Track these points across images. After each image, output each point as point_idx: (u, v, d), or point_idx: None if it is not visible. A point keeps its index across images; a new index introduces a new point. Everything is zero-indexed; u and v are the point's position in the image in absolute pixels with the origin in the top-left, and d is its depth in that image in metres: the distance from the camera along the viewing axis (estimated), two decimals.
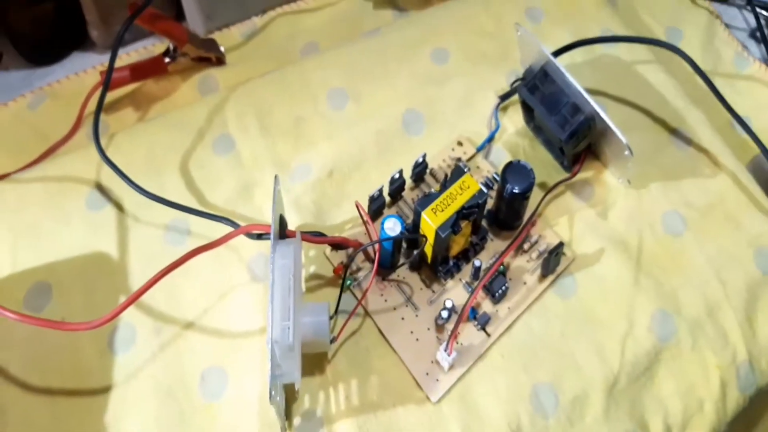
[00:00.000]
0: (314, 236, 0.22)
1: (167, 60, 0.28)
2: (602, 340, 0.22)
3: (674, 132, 0.27)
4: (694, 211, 0.25)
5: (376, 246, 0.22)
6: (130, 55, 0.30)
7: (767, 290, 0.24)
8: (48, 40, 0.30)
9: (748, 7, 0.34)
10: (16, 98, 0.29)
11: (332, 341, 0.21)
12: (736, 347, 0.23)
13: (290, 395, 0.21)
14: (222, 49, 0.30)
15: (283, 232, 0.21)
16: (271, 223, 0.21)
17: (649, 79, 0.28)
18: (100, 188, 0.25)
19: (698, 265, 0.24)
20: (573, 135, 0.23)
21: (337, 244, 0.23)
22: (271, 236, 0.20)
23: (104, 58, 0.30)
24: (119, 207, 0.24)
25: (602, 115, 0.23)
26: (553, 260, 0.23)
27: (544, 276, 0.23)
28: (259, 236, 0.21)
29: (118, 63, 0.29)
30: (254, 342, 0.22)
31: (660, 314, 0.23)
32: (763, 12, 0.34)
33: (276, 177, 0.21)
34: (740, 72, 0.32)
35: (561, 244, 0.23)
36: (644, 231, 0.24)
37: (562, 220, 0.25)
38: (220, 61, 0.30)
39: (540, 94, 0.24)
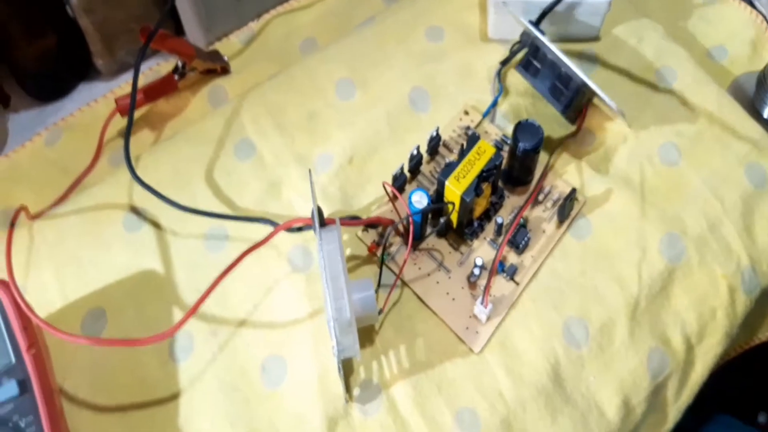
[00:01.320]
0: (351, 220, 0.24)
1: (176, 77, 0.29)
2: (620, 270, 0.25)
3: (659, 70, 0.29)
4: (685, 139, 0.28)
5: (409, 219, 0.23)
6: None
7: (760, 201, 0.27)
8: (54, 75, 0.31)
9: None
10: (32, 137, 0.30)
11: (380, 313, 0.23)
12: (739, 256, 0.26)
13: (347, 369, 0.23)
14: (225, 58, 0.31)
15: (322, 221, 0.23)
16: (308, 215, 0.22)
17: (630, 24, 0.30)
18: (135, 210, 0.26)
19: (696, 187, 0.27)
20: (569, 105, 0.26)
21: (372, 224, 0.25)
22: (316, 226, 0.22)
23: (112, 85, 0.32)
24: (156, 225, 0.26)
25: (590, 84, 0.25)
26: (567, 206, 0.25)
27: (560, 222, 0.26)
28: (299, 229, 0.23)
29: (126, 88, 0.30)
30: (305, 327, 0.24)
31: (668, 238, 0.25)
32: None
33: (309, 171, 0.23)
34: (711, 3, 0.34)
35: (573, 191, 0.25)
36: (644, 165, 0.27)
37: (569, 168, 0.27)
38: (225, 70, 0.31)
39: (534, 68, 0.26)
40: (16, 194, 0.28)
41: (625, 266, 0.25)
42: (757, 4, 0.34)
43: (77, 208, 0.26)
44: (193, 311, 0.21)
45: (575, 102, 0.26)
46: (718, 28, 0.33)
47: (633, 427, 0.24)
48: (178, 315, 0.24)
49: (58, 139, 0.30)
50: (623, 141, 0.28)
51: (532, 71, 0.26)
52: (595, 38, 0.30)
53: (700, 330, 0.25)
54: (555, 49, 0.25)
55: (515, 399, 0.23)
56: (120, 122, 0.29)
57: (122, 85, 0.31)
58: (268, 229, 0.24)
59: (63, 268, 0.25)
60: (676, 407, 0.25)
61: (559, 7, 0.28)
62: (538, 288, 0.24)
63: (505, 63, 0.29)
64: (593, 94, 0.26)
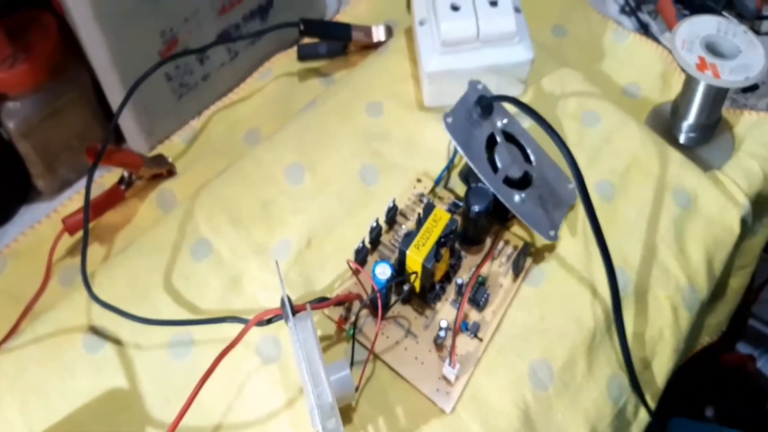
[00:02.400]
0: (320, 303, 0.26)
1: (123, 187, 0.32)
2: (575, 309, 0.29)
3: (584, 114, 0.34)
4: (617, 176, 0.33)
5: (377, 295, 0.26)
6: (80, 193, 0.33)
7: (688, 221, 0.32)
8: None
9: None
10: None
11: (356, 390, 0.25)
12: (677, 276, 0.30)
13: None
14: (169, 159, 0.34)
15: (292, 309, 0.25)
16: (273, 305, 0.25)
17: (552, 75, 0.35)
18: (94, 330, 0.28)
19: (631, 219, 0.31)
20: (505, 219, 0.30)
21: (341, 302, 0.27)
22: (289, 316, 0.24)
23: (54, 204, 0.34)
24: (117, 341, 0.28)
25: (519, 215, 0.28)
26: (521, 260, 0.29)
27: (516, 275, 0.29)
28: (269, 321, 0.25)
29: (69, 205, 0.32)
30: (282, 419, 0.26)
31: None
32: None
33: (276, 263, 0.26)
34: (620, 45, 0.40)
35: (526, 245, 0.29)
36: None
37: (516, 220, 0.31)
38: (170, 172, 0.34)
39: (470, 183, 0.30)
40: None
41: (579, 305, 0.29)
42: (661, 39, 0.41)
43: (34, 337, 0.27)
44: (174, 426, 0.23)
45: (509, 214, 0.30)
46: (629, 66, 0.39)
47: None
48: (150, 431, 0.26)
49: (4, 268, 0.32)
50: None
51: (471, 182, 0.30)
52: (522, 93, 0.35)
53: (651, 350, 0.29)
54: (483, 178, 0.28)
55: None
56: (65, 241, 0.31)
57: (65, 202, 0.33)
58: (234, 326, 0.26)
59: (27, 401, 0.26)
60: (637, 426, 0.28)
61: (485, 69, 0.33)
62: (502, 339, 0.28)
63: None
64: None
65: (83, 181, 0.34)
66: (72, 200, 0.33)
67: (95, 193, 0.31)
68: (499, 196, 0.28)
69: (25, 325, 0.28)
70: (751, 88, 0.38)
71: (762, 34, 0.42)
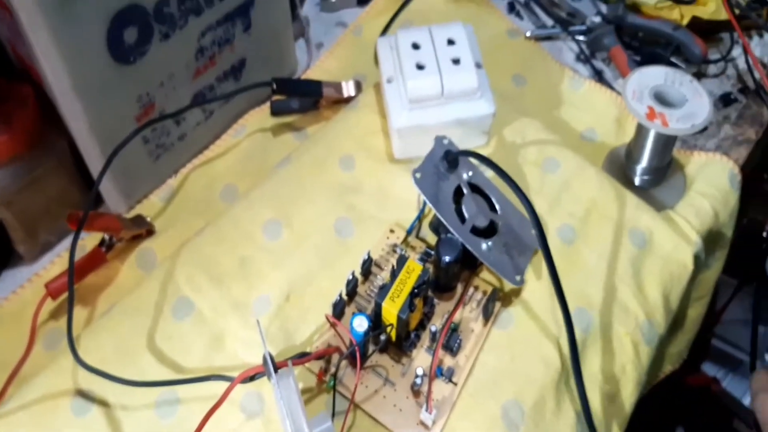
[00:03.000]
0: (301, 358, 0.29)
1: (104, 250, 0.33)
2: (543, 349, 0.32)
3: (544, 161, 0.38)
4: (576, 220, 0.36)
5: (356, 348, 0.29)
6: (61, 256, 0.35)
7: (645, 260, 0.35)
8: None
9: (569, 38, 0.47)
10: None
11: None
12: (636, 313, 0.34)
13: None
14: (148, 219, 0.36)
15: (274, 366, 0.27)
16: (255, 362, 0.27)
17: (513, 125, 0.39)
18: (81, 393, 0.29)
19: (591, 261, 0.35)
20: (474, 266, 0.33)
21: (321, 356, 0.30)
22: (271, 374, 0.26)
23: (36, 268, 0.35)
24: (104, 404, 0.29)
25: (486, 263, 0.31)
26: (491, 305, 0.32)
27: (486, 319, 0.32)
28: (252, 378, 0.27)
29: (51, 269, 0.34)
30: None
31: (577, 312, 0.33)
32: (580, 38, 0.47)
33: (258, 322, 0.28)
34: (576, 92, 0.44)
35: (495, 291, 0.32)
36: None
37: (485, 266, 0.33)
38: (150, 232, 0.36)
39: (440, 234, 0.33)
40: None
41: (546, 345, 0.32)
42: (615, 85, 0.45)
43: (22, 403, 0.29)
44: None
45: (477, 262, 0.33)
46: (586, 113, 0.43)
47: None
48: None
49: None
50: None
51: (441, 233, 0.33)
52: (486, 144, 0.38)
53: (614, 385, 0.32)
54: (453, 230, 0.31)
55: None
56: (47, 305, 0.32)
57: (46, 266, 0.35)
58: (219, 383, 0.28)
59: None
60: None
61: (450, 123, 0.36)
62: (475, 383, 0.30)
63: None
64: None
65: (64, 244, 0.36)
66: (53, 264, 0.35)
67: (76, 256, 0.32)
68: (468, 246, 0.32)
69: (12, 392, 0.29)
70: (700, 129, 0.43)
71: (709, 76, 0.47)
